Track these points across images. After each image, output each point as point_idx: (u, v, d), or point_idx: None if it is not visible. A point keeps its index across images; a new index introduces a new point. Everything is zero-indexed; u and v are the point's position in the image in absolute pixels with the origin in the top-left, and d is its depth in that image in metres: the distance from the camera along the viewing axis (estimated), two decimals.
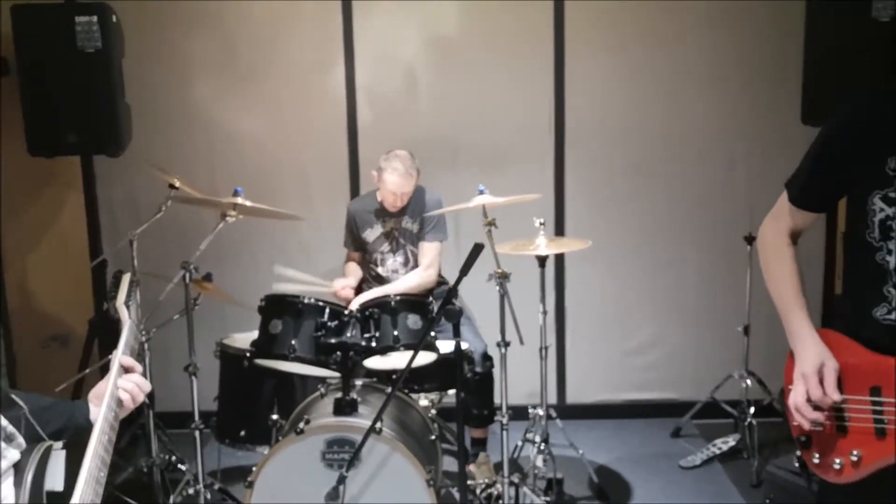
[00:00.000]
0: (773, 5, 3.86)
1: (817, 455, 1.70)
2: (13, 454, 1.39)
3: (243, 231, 3.60)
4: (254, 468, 2.55)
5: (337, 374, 2.80)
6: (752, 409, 3.64)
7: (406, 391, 2.98)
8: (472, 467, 3.33)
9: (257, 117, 4.08)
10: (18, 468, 1.40)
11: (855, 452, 1.62)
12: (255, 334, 2.84)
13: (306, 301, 2.75)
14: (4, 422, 1.39)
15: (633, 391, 4.26)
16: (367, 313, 2.80)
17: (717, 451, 3.70)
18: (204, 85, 4.05)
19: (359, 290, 3.52)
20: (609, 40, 4.00)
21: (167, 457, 3.38)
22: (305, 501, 2.51)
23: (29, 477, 1.38)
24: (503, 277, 3.00)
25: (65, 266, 4.09)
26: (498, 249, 3.02)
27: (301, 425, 2.55)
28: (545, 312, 3.25)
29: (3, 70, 3.74)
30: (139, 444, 3.57)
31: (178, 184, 3.25)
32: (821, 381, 1.64)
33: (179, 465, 3.33)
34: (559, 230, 4.11)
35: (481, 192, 3.09)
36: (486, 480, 3.18)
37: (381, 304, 2.84)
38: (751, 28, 3.91)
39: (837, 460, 1.65)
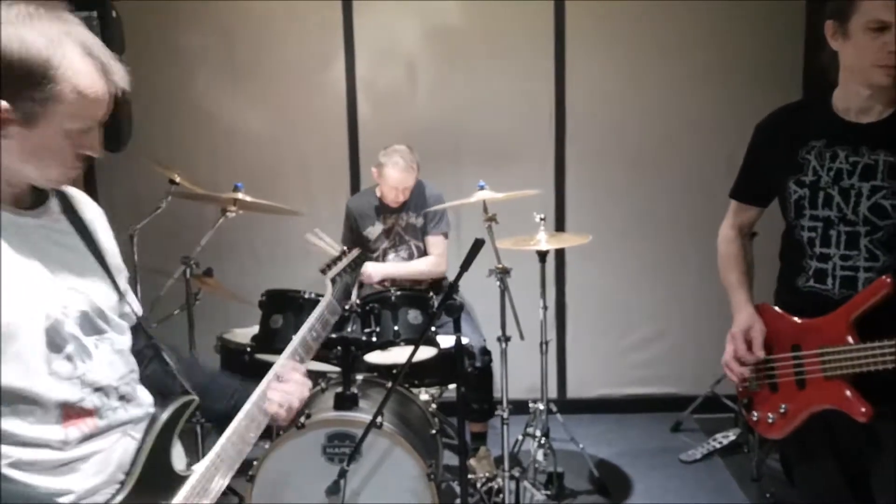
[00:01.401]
0: (774, 2, 3.85)
1: (755, 414, 1.95)
2: (126, 413, 1.34)
3: (244, 226, 3.61)
4: (255, 462, 2.56)
5: (337, 369, 2.81)
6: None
7: (406, 386, 2.98)
8: (472, 461, 3.33)
9: (258, 112, 4.08)
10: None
11: (783, 406, 1.87)
12: (255, 329, 2.85)
13: (307, 296, 2.75)
14: (117, 381, 1.34)
15: (633, 386, 4.26)
16: (367, 308, 2.80)
17: (718, 446, 3.71)
18: (204, 80, 4.05)
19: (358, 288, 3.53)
20: (610, 35, 4.00)
21: None
22: (306, 495, 2.51)
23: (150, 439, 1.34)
24: (504, 273, 3.01)
25: None
26: (498, 245, 3.02)
27: (302, 420, 2.55)
28: (546, 307, 3.26)
29: None
30: None
31: (178, 179, 3.26)
32: (749, 343, 1.91)
33: None
34: (559, 225, 4.12)
35: (482, 188, 3.09)
36: (487, 474, 3.19)
37: (381, 299, 2.85)
38: (751, 24, 3.90)
39: (770, 415, 1.91)
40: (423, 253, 3.58)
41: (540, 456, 3.27)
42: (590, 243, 3.19)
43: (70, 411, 1.26)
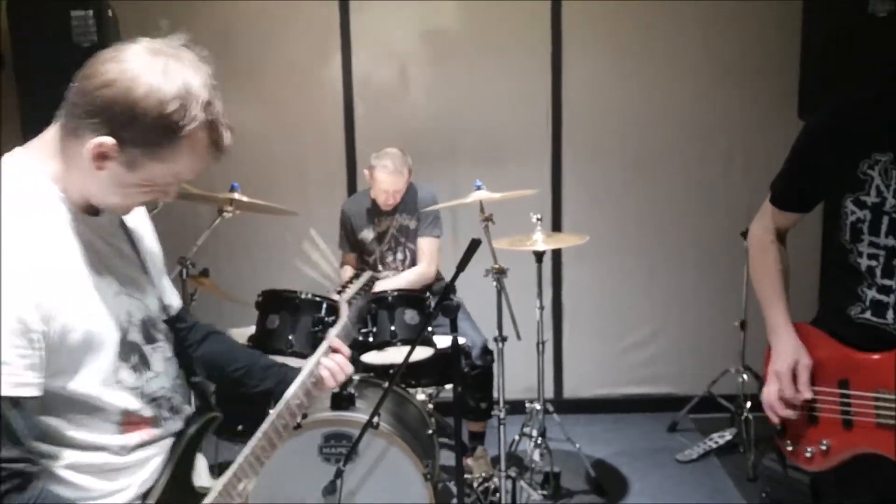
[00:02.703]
0: (771, 2, 3.86)
1: (790, 443, 1.76)
2: (175, 423, 1.38)
3: (240, 226, 3.60)
4: None
5: None
6: (748, 404, 3.65)
7: (403, 386, 2.98)
8: (469, 461, 3.33)
9: (254, 112, 4.07)
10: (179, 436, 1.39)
11: (824, 442, 1.68)
12: (252, 329, 2.84)
13: (303, 296, 2.75)
14: (169, 391, 1.37)
15: (629, 386, 4.27)
16: None
17: (714, 446, 3.71)
18: None
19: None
20: (606, 35, 4.00)
21: None
22: (303, 495, 2.51)
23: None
24: (500, 273, 3.01)
25: None
26: (495, 245, 3.02)
27: (298, 419, 2.55)
28: (542, 307, 3.26)
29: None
30: None
31: None
32: (794, 379, 1.70)
33: None
34: (556, 226, 4.12)
35: (478, 188, 3.09)
36: (484, 474, 3.19)
37: (378, 299, 2.84)
38: (748, 23, 3.91)
39: (808, 449, 1.71)
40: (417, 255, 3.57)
41: (536, 456, 3.27)
42: (586, 243, 3.19)
43: (130, 418, 1.29)
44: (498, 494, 3.03)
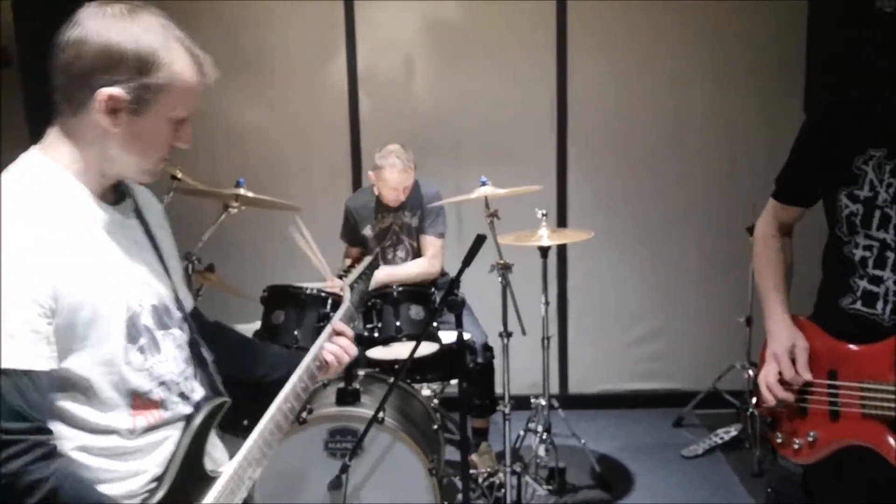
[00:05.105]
0: (776, 2, 3.84)
1: (780, 435, 1.79)
2: (185, 408, 1.40)
3: (246, 222, 3.60)
4: None
5: None
6: (753, 399, 3.64)
7: (408, 381, 2.99)
8: (474, 457, 3.34)
9: (259, 108, 4.08)
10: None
11: (811, 434, 1.70)
12: (257, 325, 2.85)
13: (308, 292, 2.75)
14: (179, 376, 1.40)
15: (635, 381, 4.27)
16: (369, 304, 2.80)
17: (719, 441, 3.71)
18: None
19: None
20: (612, 32, 3.99)
21: None
22: (308, 490, 2.52)
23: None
24: (505, 268, 3.01)
25: None
26: (500, 240, 3.02)
27: (304, 415, 2.56)
28: (547, 303, 3.26)
29: (4, 61, 3.73)
30: None
31: (180, 175, 3.25)
32: (793, 362, 1.72)
33: None
34: (561, 221, 4.11)
35: (483, 184, 3.08)
36: (489, 470, 3.19)
37: (383, 295, 2.85)
38: (753, 20, 3.89)
39: (796, 441, 1.73)
40: (419, 252, 3.57)
41: (542, 451, 3.28)
42: (592, 239, 3.19)
43: (139, 401, 1.31)
44: (503, 490, 3.04)
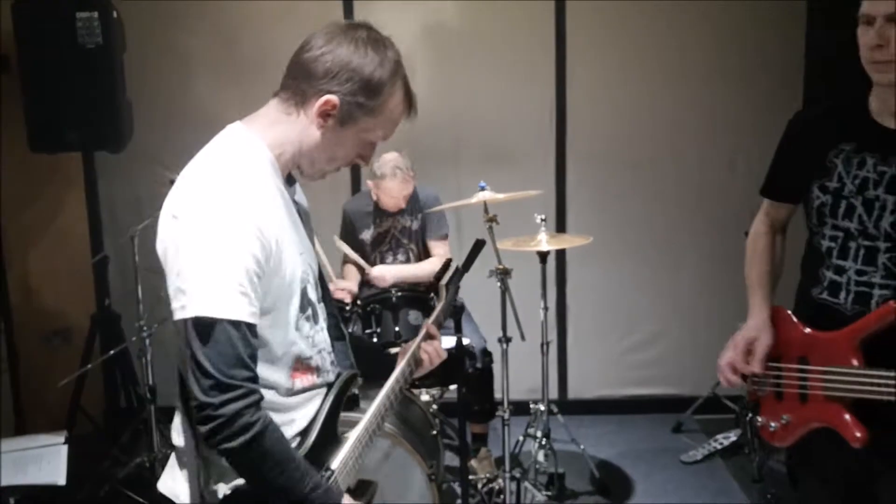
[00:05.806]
0: (775, 3, 3.85)
1: (760, 419, 1.91)
2: (330, 376, 1.55)
3: None
4: None
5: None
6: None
7: (407, 386, 2.98)
8: (473, 462, 3.33)
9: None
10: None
11: (785, 417, 1.82)
12: None
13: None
14: (327, 345, 1.54)
15: (634, 386, 4.26)
16: (368, 309, 2.80)
17: (719, 447, 3.71)
18: (205, 80, 4.04)
19: (363, 284, 3.52)
20: (611, 36, 3.99)
21: (169, 451, 3.38)
22: None
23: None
24: (504, 273, 3.01)
25: (66, 262, 4.08)
26: (499, 245, 3.02)
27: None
28: (546, 308, 3.26)
29: (4, 66, 3.73)
30: (141, 439, 3.57)
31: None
32: (750, 352, 1.85)
33: None
34: (560, 226, 4.11)
35: (482, 189, 3.09)
36: (488, 475, 3.19)
37: (382, 300, 2.85)
38: (752, 24, 3.90)
39: (773, 424, 1.86)
40: (420, 256, 3.56)
41: (541, 457, 3.27)
42: (591, 244, 3.19)
43: (299, 364, 1.46)
44: (502, 495, 3.03)
